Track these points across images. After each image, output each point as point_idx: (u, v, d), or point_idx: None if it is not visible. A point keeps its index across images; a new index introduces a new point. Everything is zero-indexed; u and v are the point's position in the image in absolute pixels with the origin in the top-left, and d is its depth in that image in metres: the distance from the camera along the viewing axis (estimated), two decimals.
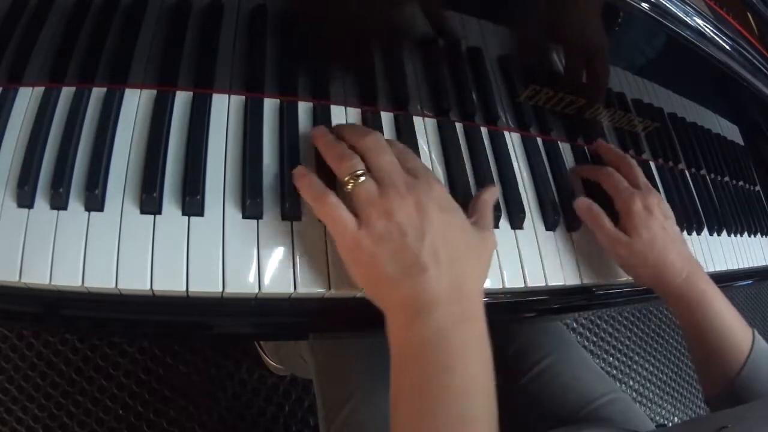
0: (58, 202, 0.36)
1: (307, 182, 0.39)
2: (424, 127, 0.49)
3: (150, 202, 0.37)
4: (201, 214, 0.38)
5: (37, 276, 0.34)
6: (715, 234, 0.70)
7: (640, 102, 0.59)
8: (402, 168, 0.39)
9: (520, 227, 0.50)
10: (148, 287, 0.35)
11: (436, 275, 0.36)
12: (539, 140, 0.56)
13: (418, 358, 0.35)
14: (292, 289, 0.39)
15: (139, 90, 0.41)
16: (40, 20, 0.39)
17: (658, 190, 0.62)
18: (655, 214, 0.51)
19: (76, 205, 0.36)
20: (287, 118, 0.44)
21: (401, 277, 0.36)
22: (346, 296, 0.41)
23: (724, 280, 0.54)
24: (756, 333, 0.51)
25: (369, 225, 0.36)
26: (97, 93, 0.40)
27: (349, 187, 0.38)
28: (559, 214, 0.52)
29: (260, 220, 0.40)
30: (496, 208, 0.47)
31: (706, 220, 0.68)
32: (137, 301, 0.37)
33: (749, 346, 0.49)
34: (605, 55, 0.52)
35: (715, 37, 0.53)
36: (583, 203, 0.52)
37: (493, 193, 0.45)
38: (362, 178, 0.38)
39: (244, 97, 0.43)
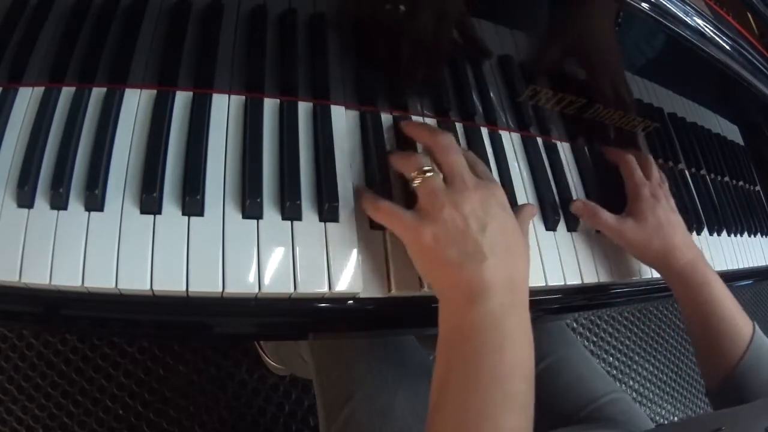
0: (58, 202, 0.36)
1: (363, 197, 0.42)
2: None
3: (150, 202, 0.37)
4: (201, 214, 0.38)
5: (37, 276, 0.34)
6: (715, 234, 0.70)
7: (640, 102, 0.59)
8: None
9: None
10: (148, 287, 0.35)
11: (494, 265, 0.38)
12: (539, 140, 0.56)
13: (471, 338, 0.37)
14: (292, 289, 0.39)
15: (139, 90, 0.41)
16: (40, 20, 0.39)
17: None
18: (661, 203, 0.54)
19: (76, 205, 0.36)
20: (287, 118, 0.44)
21: (464, 261, 0.38)
22: (347, 296, 0.41)
23: (724, 280, 0.54)
24: (756, 325, 0.51)
25: (434, 213, 0.39)
26: (97, 93, 0.40)
27: (417, 182, 0.41)
28: (559, 214, 0.52)
29: (260, 220, 0.40)
30: None
31: (706, 220, 0.68)
32: (137, 301, 0.36)
33: (750, 335, 0.50)
34: (614, 55, 0.52)
35: (715, 37, 0.53)
36: (577, 203, 0.54)
37: (533, 212, 0.49)
38: (429, 174, 0.41)
39: (244, 97, 0.43)
